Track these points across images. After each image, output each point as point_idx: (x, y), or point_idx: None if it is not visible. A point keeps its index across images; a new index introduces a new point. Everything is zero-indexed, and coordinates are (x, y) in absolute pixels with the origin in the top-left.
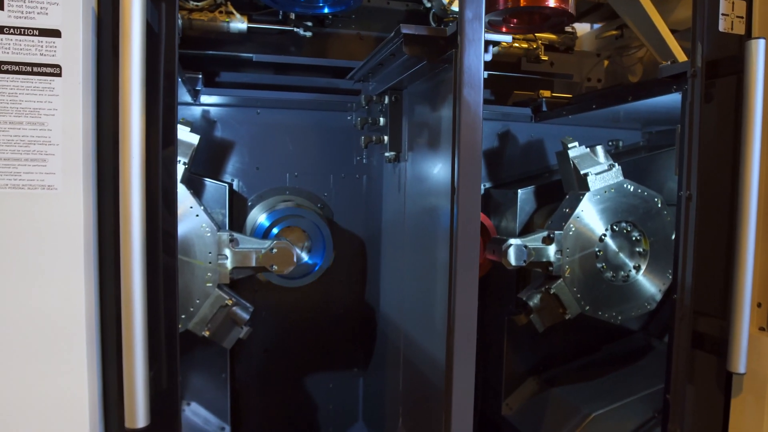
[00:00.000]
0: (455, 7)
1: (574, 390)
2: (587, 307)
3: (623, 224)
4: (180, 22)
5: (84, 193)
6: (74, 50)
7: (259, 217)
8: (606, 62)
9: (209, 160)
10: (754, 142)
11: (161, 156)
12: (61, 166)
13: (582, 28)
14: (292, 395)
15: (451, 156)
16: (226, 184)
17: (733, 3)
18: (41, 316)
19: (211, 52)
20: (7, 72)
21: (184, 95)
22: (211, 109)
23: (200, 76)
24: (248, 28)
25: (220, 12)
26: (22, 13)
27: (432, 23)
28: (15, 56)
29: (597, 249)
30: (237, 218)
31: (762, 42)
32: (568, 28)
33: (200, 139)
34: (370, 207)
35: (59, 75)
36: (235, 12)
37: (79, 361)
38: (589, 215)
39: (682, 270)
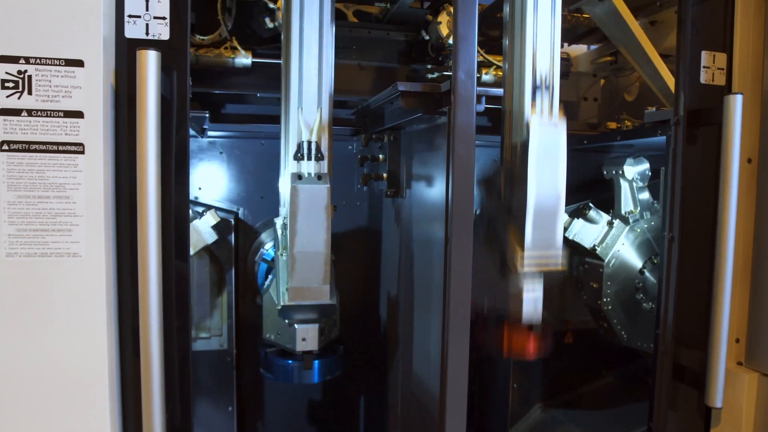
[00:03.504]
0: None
1: (583, 418)
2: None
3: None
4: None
5: (106, 259)
6: (95, 129)
7: (265, 245)
8: (603, 81)
9: (216, 188)
10: (732, 191)
11: (174, 219)
12: (84, 235)
13: (578, 49)
14: (298, 417)
15: (445, 207)
16: (232, 214)
17: (714, 56)
18: (68, 370)
19: (217, 91)
20: (35, 151)
21: (191, 131)
22: (217, 140)
23: (207, 115)
24: (252, 63)
25: (226, 48)
26: (48, 96)
27: (430, 54)
28: (42, 136)
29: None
30: (243, 245)
31: (740, 98)
32: (563, 54)
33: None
34: (370, 234)
35: (82, 152)
36: (239, 48)
37: (102, 410)
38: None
39: (664, 307)
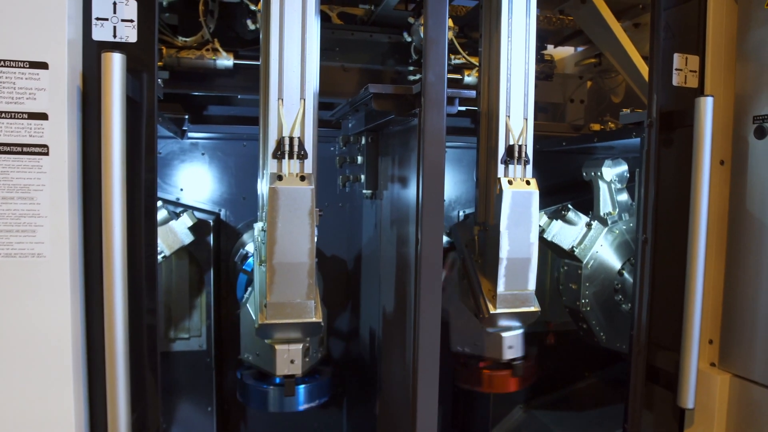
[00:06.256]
0: None
1: (562, 419)
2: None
3: None
4: (159, 73)
5: (71, 259)
6: (60, 131)
7: (247, 245)
8: (589, 83)
9: (198, 189)
10: (703, 193)
11: (143, 222)
12: (49, 236)
13: (566, 51)
14: (278, 418)
15: (416, 209)
16: (213, 215)
17: (686, 58)
18: (34, 372)
19: (197, 92)
20: None
21: (170, 132)
22: (199, 141)
23: (186, 117)
24: (234, 64)
25: (207, 50)
26: (13, 99)
27: (413, 55)
28: (6, 138)
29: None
30: (225, 246)
31: (710, 100)
32: (546, 57)
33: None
34: (352, 235)
35: (47, 154)
36: (221, 50)
37: (67, 409)
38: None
39: (638, 308)
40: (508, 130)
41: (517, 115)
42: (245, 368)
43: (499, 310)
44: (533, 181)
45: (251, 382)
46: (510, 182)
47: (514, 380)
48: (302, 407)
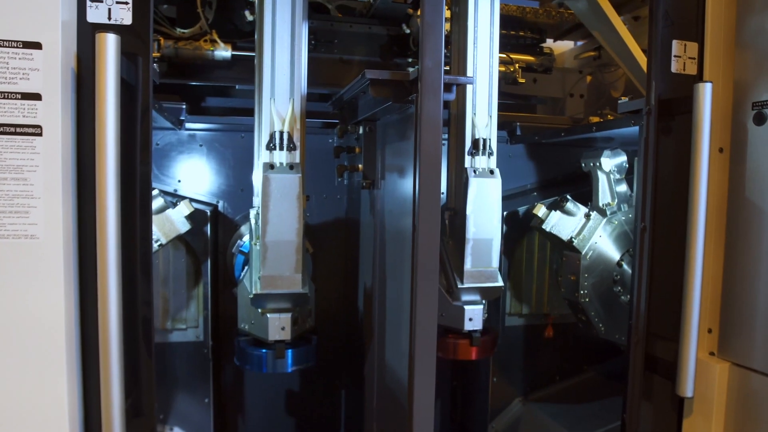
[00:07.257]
0: None
1: (561, 412)
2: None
3: None
4: (157, 64)
5: (65, 241)
6: (53, 112)
7: (244, 236)
8: (589, 78)
9: (196, 181)
10: (701, 180)
11: (138, 204)
12: (42, 217)
13: (566, 45)
14: (275, 409)
15: (413, 197)
16: (210, 206)
17: (685, 45)
18: (27, 355)
19: (194, 83)
20: None
21: (167, 123)
22: (198, 133)
23: (183, 106)
24: (232, 55)
25: (205, 41)
26: (6, 78)
27: (412, 47)
28: None
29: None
30: (223, 238)
31: (709, 86)
32: (546, 50)
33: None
34: (349, 227)
35: (40, 134)
36: (218, 41)
37: (60, 393)
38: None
39: (637, 297)
40: (474, 126)
41: (482, 112)
42: (242, 336)
43: (466, 285)
44: (497, 171)
45: (247, 347)
46: (475, 172)
47: (473, 349)
48: (291, 369)
